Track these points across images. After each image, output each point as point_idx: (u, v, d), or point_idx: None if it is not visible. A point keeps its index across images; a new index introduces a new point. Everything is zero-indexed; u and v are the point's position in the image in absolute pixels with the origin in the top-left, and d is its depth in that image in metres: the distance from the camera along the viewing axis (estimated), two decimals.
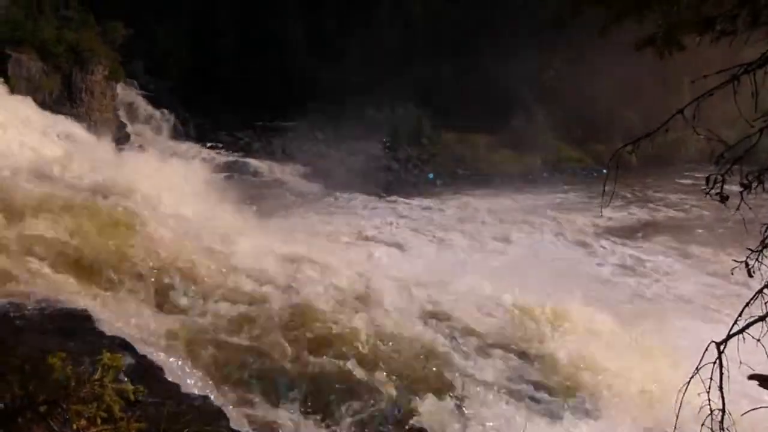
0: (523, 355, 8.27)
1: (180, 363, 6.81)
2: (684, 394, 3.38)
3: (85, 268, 8.05)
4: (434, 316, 8.70)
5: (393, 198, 25.70)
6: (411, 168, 31.44)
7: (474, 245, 18.60)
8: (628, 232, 21.59)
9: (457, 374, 7.38)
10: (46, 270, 7.50)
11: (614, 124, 32.43)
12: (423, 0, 39.40)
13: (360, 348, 7.26)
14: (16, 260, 7.52)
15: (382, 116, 30.84)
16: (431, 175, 31.44)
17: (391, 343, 7.52)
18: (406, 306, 8.67)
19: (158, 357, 6.69)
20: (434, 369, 7.47)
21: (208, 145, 30.94)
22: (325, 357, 6.99)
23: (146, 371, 6.24)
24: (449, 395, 7.12)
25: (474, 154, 33.24)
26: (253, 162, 29.13)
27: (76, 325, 6.28)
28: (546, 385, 7.73)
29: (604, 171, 33.83)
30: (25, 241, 7.93)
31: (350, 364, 7.01)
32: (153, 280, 8.10)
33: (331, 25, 36.87)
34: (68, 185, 10.64)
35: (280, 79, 33.79)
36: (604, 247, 19.06)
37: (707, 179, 3.61)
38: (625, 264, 17.52)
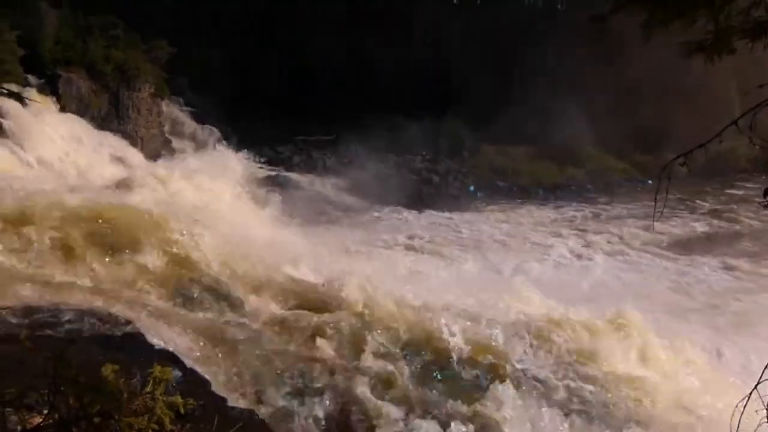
0: None
1: (226, 376, 6.79)
2: (744, 409, 3.23)
3: (130, 280, 8.12)
4: None
5: (434, 211, 25.53)
6: (451, 181, 31.28)
7: (525, 260, 18.22)
8: (681, 245, 20.72)
9: None
10: (94, 281, 7.60)
11: (661, 134, 31.72)
12: (458, 13, 39.52)
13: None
14: (66, 272, 7.62)
15: (422, 129, 30.76)
16: (472, 188, 31.21)
17: None
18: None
19: (205, 369, 6.68)
20: None
21: (251, 159, 31.35)
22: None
23: (194, 384, 6.22)
24: None
25: (515, 166, 32.94)
26: (294, 176, 29.44)
27: (124, 337, 6.32)
28: None
29: (650, 182, 33.24)
30: (72, 255, 8.03)
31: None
32: (200, 291, 8.13)
33: (369, 44, 37.12)
34: (116, 198, 10.82)
35: (320, 93, 34.08)
36: (658, 262, 18.32)
37: (765, 191, 3.44)
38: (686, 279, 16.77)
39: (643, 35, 4.10)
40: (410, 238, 20.52)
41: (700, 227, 24.12)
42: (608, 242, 20.45)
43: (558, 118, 33.42)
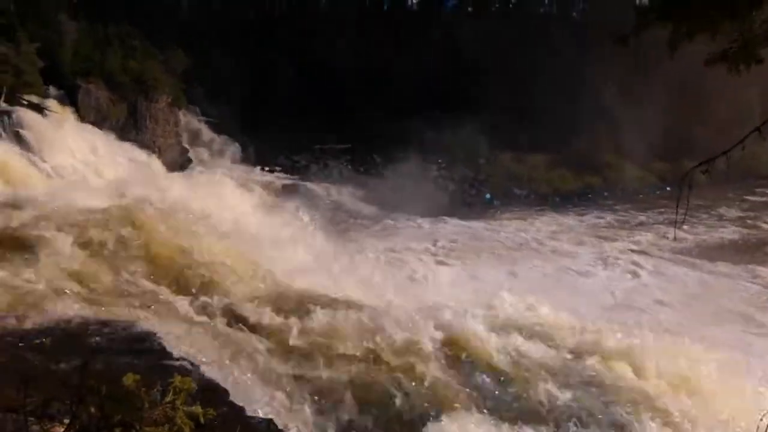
0: None
1: (245, 385, 6.74)
2: None
3: (150, 290, 8.11)
4: None
5: (451, 219, 25.35)
6: (468, 189, 31.16)
7: (546, 267, 18.04)
8: (706, 253, 20.33)
9: None
10: (112, 291, 7.59)
11: (679, 141, 31.42)
12: (473, 22, 39.56)
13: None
14: (82, 282, 7.62)
15: (438, 138, 30.68)
16: (488, 196, 31.07)
17: None
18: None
19: (224, 378, 6.64)
20: None
21: (267, 168, 31.47)
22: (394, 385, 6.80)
23: (213, 393, 6.18)
24: None
25: (532, 174, 32.77)
26: (310, 185, 29.42)
27: (144, 346, 6.30)
28: None
29: (668, 189, 32.91)
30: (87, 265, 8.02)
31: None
32: (218, 300, 8.10)
33: (386, 53, 37.27)
34: (133, 206, 10.84)
35: (336, 103, 34.18)
36: (682, 269, 17.99)
37: None
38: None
39: (669, 48, 4.06)
40: (430, 245, 20.44)
41: (725, 234, 23.78)
42: (630, 250, 20.19)
43: (575, 125, 33.27)
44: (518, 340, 8.22)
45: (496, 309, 9.40)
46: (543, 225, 25.02)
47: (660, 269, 17.96)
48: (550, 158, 33.29)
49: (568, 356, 8.15)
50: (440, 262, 18.32)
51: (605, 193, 32.80)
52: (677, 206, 5.06)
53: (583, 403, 7.18)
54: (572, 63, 34.32)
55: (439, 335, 7.96)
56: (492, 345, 7.96)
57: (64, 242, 7.83)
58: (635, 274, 17.52)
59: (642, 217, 26.82)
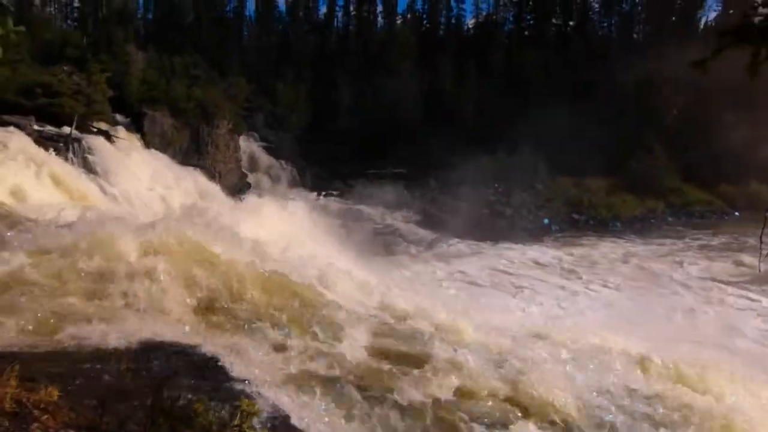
0: None
1: (307, 409, 6.66)
2: None
3: (211, 312, 8.16)
4: None
5: (507, 245, 24.90)
6: (525, 214, 30.63)
7: (612, 294, 17.35)
8: None
9: None
10: (180, 314, 7.66)
11: (747, 164, 30.22)
12: (531, 46, 39.37)
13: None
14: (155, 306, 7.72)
15: (495, 162, 30.41)
16: (546, 221, 30.48)
17: None
18: None
19: (286, 402, 6.57)
20: None
21: (324, 192, 31.82)
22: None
23: (275, 416, 6.11)
24: None
25: (591, 199, 32.01)
26: (366, 209, 29.54)
27: (209, 369, 6.31)
28: None
29: (737, 213, 31.66)
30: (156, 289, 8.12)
31: None
32: (278, 323, 8.08)
33: (442, 80, 37.45)
34: (194, 231, 11.02)
35: (392, 128, 34.36)
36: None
37: None
38: None
39: (750, 72, 3.85)
40: (488, 270, 20.10)
41: None
42: (699, 278, 19.30)
43: (635, 148, 32.48)
44: None
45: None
46: (603, 250, 24.26)
47: (732, 298, 16.97)
48: (610, 182, 32.50)
49: None
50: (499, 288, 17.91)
51: (669, 219, 31.75)
52: (761, 235, 4.76)
53: None
54: (632, 86, 33.66)
55: None
56: None
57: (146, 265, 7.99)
58: (706, 304, 16.51)
59: (709, 243, 25.76)
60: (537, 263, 21.42)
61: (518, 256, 22.64)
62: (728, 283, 18.39)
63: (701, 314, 15.45)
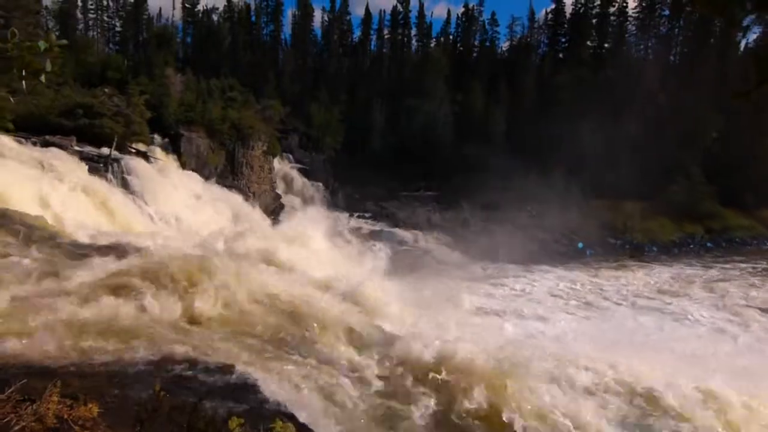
0: None
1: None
2: None
3: (244, 334, 8.15)
4: None
5: (542, 267, 24.55)
6: (559, 237, 30.21)
7: (650, 322, 16.83)
8: None
9: None
10: (214, 337, 7.67)
11: None
12: (565, 68, 39.13)
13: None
14: (187, 329, 7.75)
15: (528, 184, 30.12)
16: (581, 245, 30.02)
17: None
18: None
19: (317, 423, 6.50)
20: None
21: (356, 214, 31.87)
22: None
23: None
24: None
25: (627, 222, 31.46)
26: (398, 231, 29.47)
27: (243, 390, 6.28)
28: None
29: None
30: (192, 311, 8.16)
31: None
32: (310, 345, 8.04)
33: (478, 105, 37.47)
34: (230, 255, 11.08)
35: (425, 150, 34.40)
36: None
37: None
38: None
39: None
40: (521, 293, 19.83)
41: None
42: (738, 306, 18.69)
43: (673, 172, 31.91)
44: None
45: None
46: (639, 276, 23.66)
47: None
48: (647, 206, 31.91)
49: None
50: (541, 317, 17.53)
51: (708, 244, 31.00)
52: None
53: None
54: (669, 108, 33.21)
55: None
56: None
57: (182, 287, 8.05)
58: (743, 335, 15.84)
59: (751, 270, 24.98)
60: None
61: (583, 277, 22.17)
62: None
63: None
